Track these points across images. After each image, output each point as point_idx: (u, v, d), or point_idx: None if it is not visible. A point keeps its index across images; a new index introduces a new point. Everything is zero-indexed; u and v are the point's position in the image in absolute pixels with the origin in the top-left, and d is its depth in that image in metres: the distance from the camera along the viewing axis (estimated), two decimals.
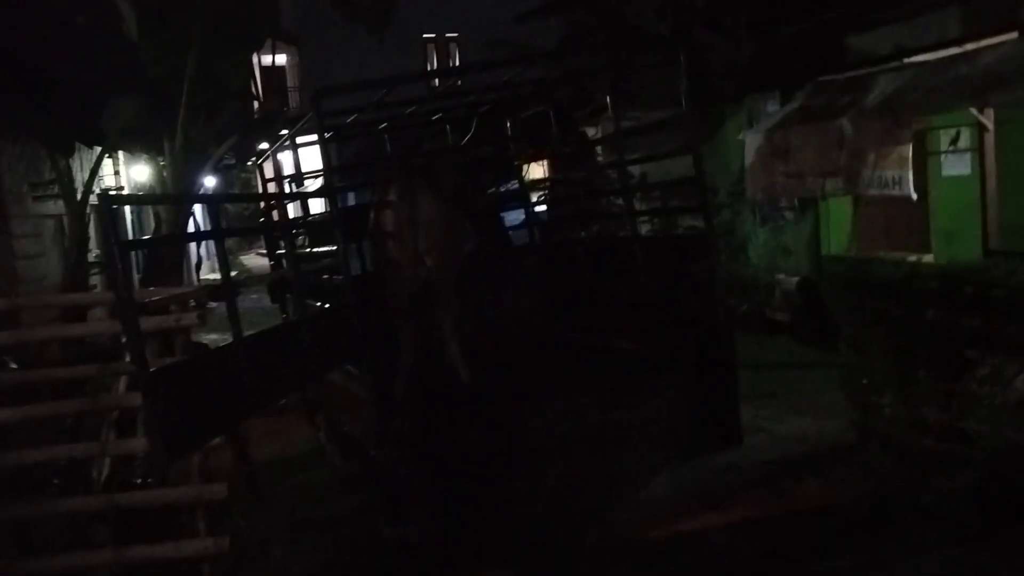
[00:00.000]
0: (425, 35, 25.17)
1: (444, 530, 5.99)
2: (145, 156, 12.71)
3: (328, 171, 5.70)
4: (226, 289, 4.46)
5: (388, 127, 8.15)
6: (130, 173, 14.30)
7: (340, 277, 6.25)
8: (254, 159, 8.29)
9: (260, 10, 6.67)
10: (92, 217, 8.26)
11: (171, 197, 7.54)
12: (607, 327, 6.81)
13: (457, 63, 25.92)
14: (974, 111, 9.19)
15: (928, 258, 10.49)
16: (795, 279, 12.13)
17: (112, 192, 9.23)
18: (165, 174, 6.12)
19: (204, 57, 5.94)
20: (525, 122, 8.34)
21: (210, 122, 6.35)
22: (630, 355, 6.41)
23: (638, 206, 10.80)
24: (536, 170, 10.84)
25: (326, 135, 7.42)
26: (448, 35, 25.81)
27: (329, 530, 6.46)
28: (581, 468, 6.06)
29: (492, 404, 6.24)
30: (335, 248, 6.73)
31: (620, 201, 9.71)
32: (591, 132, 12.23)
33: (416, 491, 5.83)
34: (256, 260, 25.73)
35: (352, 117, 7.37)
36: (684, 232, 7.63)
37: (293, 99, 25.08)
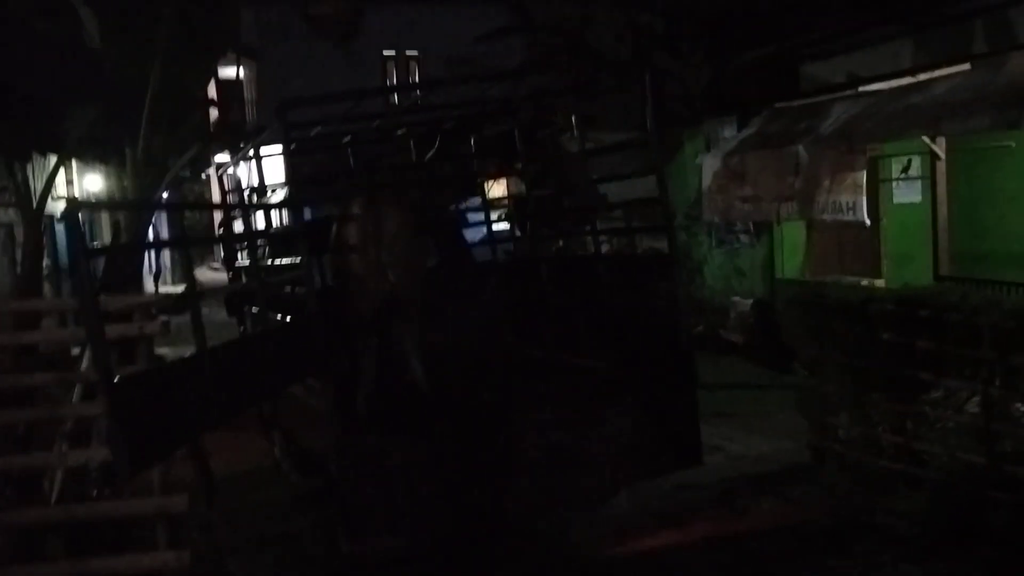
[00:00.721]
0: (385, 52, 25.17)
1: (404, 546, 5.95)
2: (100, 166, 12.54)
3: (293, 183, 5.66)
4: (190, 299, 4.41)
5: (351, 141, 8.13)
6: (83, 183, 14.12)
7: (302, 290, 6.22)
8: (217, 168, 8.24)
9: (223, 21, 6.63)
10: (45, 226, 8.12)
11: (142, 203, 7.44)
12: (570, 345, 6.84)
13: (417, 80, 25.94)
14: (927, 140, 9.42)
15: (879, 283, 10.70)
16: (749, 301, 12.29)
17: (71, 200, 9.01)
18: (126, 183, 6.02)
19: (168, 66, 5.88)
20: (489, 139, 8.37)
21: (172, 132, 6.27)
22: (593, 374, 6.43)
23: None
24: (498, 188, 10.86)
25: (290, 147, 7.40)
26: (408, 52, 25.83)
27: (287, 546, 6.38)
28: (543, 485, 6.06)
29: (454, 421, 6.22)
30: (295, 261, 6.69)
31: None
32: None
33: (377, 507, 5.78)
34: (209, 274, 25.43)
35: (316, 130, 7.34)
36: (645, 252, 7.71)
37: (250, 112, 24.89)
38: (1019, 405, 5.93)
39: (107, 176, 12.87)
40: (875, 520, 6.50)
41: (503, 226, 9.68)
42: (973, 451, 6.21)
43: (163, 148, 6.30)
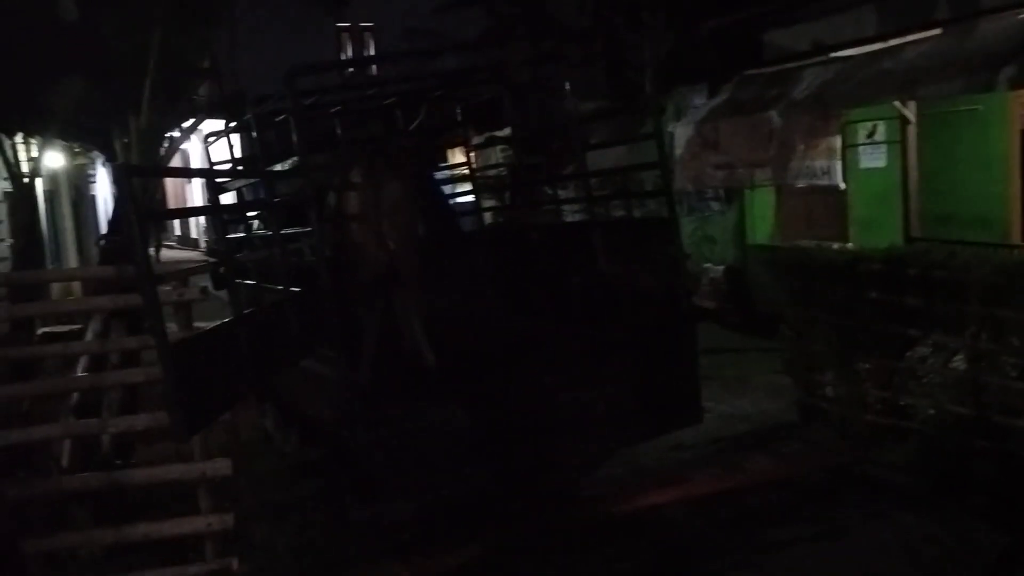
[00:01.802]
0: (339, 24, 24.89)
1: (414, 510, 6.03)
2: (61, 143, 12.30)
3: (302, 152, 5.65)
4: (228, 267, 4.41)
5: (341, 111, 8.11)
6: (44, 160, 13.87)
7: (307, 260, 6.24)
8: (207, 137, 8.19)
9: None
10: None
11: (190, 172, 7.34)
12: (575, 310, 6.93)
13: (373, 52, 25.72)
14: (898, 104, 9.63)
15: (849, 246, 10.92)
16: (721, 268, 12.48)
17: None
18: (132, 153, 5.95)
19: (166, 37, 5.83)
20: (476, 107, 8.39)
21: (173, 102, 6.21)
22: (597, 337, 6.54)
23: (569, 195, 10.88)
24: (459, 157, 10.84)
25: (276, 119, 7.35)
26: (363, 24, 25.57)
27: (294, 513, 6.42)
28: (550, 446, 6.17)
29: (461, 385, 6.29)
30: (298, 231, 6.68)
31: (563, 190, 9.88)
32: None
33: (388, 472, 5.84)
34: (164, 252, 25.05)
35: (311, 100, 7.30)
36: (647, 217, 7.83)
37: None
38: (1006, 357, 6.19)
39: (76, 153, 12.66)
40: (867, 472, 6.73)
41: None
42: (960, 403, 6.46)
43: (164, 118, 6.25)
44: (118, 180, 3.95)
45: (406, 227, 6.68)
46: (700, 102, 12.67)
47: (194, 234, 31.07)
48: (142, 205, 5.02)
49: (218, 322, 4.25)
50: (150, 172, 5.79)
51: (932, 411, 6.68)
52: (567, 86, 6.96)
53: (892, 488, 6.43)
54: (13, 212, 7.48)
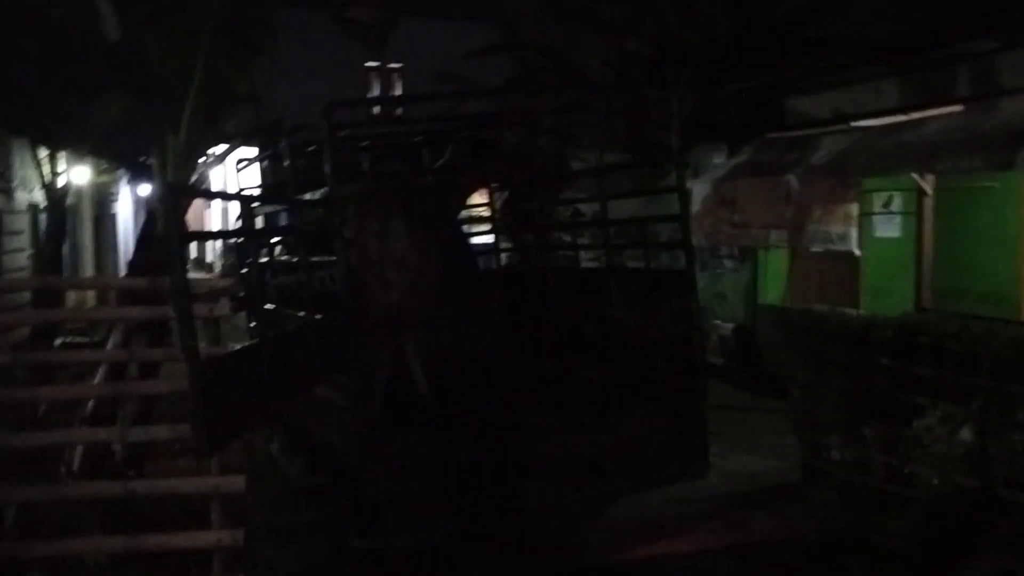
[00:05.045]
0: (368, 64, 25.27)
1: (415, 543, 6.05)
2: (90, 158, 12.49)
3: (334, 182, 5.77)
4: (254, 289, 4.52)
5: (369, 146, 8.26)
6: (70, 176, 14.07)
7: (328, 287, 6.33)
8: (238, 163, 8.37)
9: (263, 16, 6.76)
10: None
11: (232, 196, 7.54)
12: (587, 356, 7.00)
13: (400, 92, 26.07)
14: (916, 177, 9.76)
15: (860, 313, 10.98)
16: (731, 326, 12.54)
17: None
18: (169, 173, 6.07)
19: (211, 59, 5.99)
20: (502, 150, 8.53)
21: (210, 125, 6.36)
22: (607, 383, 6.61)
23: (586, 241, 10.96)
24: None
25: (309, 148, 7.50)
26: (391, 65, 25.96)
27: (296, 537, 6.45)
28: (553, 489, 6.20)
29: (468, 424, 6.35)
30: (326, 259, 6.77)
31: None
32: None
33: (391, 504, 5.88)
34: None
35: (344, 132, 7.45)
36: (666, 268, 7.99)
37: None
38: (1013, 432, 6.23)
39: (102, 171, 12.75)
40: (868, 538, 6.74)
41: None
42: (965, 475, 6.49)
43: (202, 140, 6.39)
44: (165, 199, 4.05)
45: (413, 277, 6.72)
46: (719, 161, 12.83)
47: (209, 257, 31.25)
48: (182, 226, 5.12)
49: (244, 343, 4.34)
50: (195, 193, 5.91)
51: (936, 481, 6.71)
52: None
53: (892, 554, 6.43)
54: (49, 221, 7.63)
